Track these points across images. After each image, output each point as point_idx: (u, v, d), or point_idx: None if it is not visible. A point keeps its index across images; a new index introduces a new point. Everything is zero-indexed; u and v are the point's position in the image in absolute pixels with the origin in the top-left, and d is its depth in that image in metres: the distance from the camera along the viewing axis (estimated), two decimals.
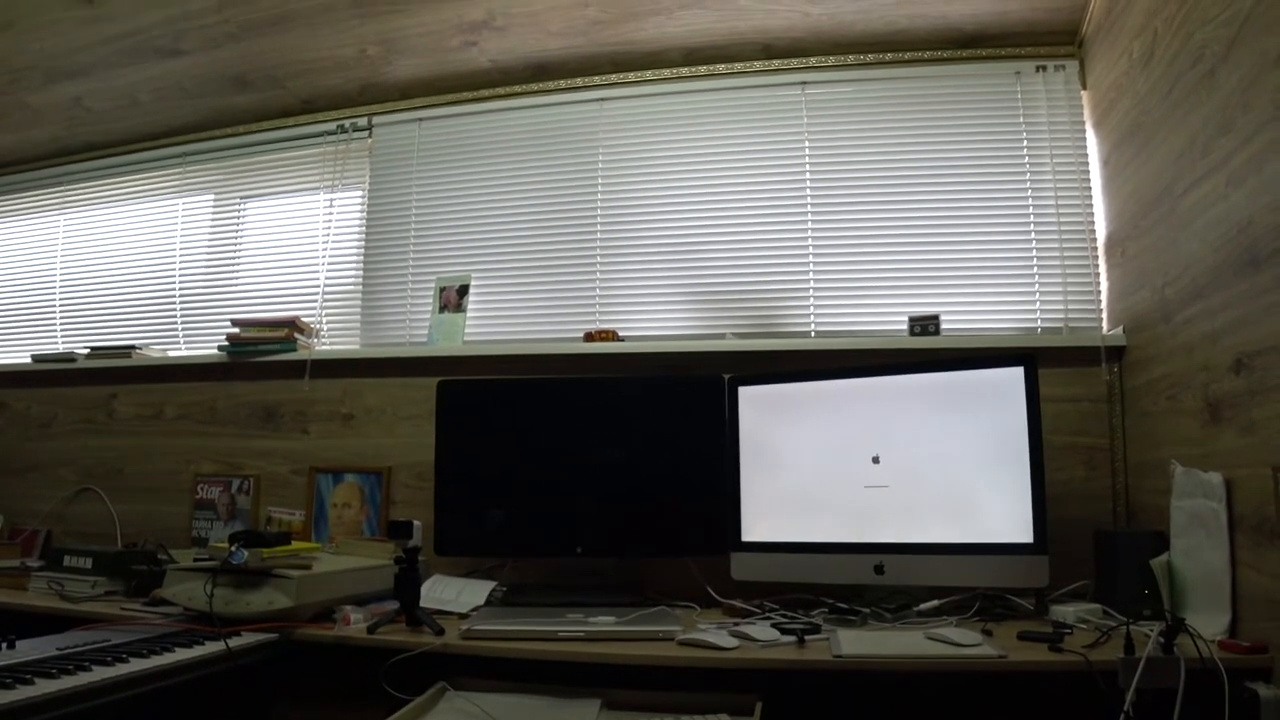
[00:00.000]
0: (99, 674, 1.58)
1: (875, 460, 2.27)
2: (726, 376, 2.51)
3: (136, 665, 1.67)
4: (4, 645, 1.76)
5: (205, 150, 3.56)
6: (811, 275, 2.83)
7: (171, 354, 3.42)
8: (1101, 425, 2.52)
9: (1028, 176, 2.74)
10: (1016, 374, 2.16)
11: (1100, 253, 2.64)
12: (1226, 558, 1.78)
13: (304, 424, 3.12)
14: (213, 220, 3.52)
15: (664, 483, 2.49)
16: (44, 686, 1.47)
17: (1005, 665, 1.69)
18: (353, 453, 3.04)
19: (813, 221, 2.85)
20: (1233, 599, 1.76)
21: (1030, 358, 2.16)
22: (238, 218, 3.49)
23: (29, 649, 1.75)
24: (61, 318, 3.68)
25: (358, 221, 3.31)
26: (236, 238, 3.47)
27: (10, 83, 3.30)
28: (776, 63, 2.96)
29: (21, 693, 1.42)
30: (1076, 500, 2.48)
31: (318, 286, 3.29)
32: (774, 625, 2.02)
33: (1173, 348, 2.12)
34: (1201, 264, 1.93)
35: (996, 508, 2.12)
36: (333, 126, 3.37)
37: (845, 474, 2.30)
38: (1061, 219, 2.69)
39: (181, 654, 1.79)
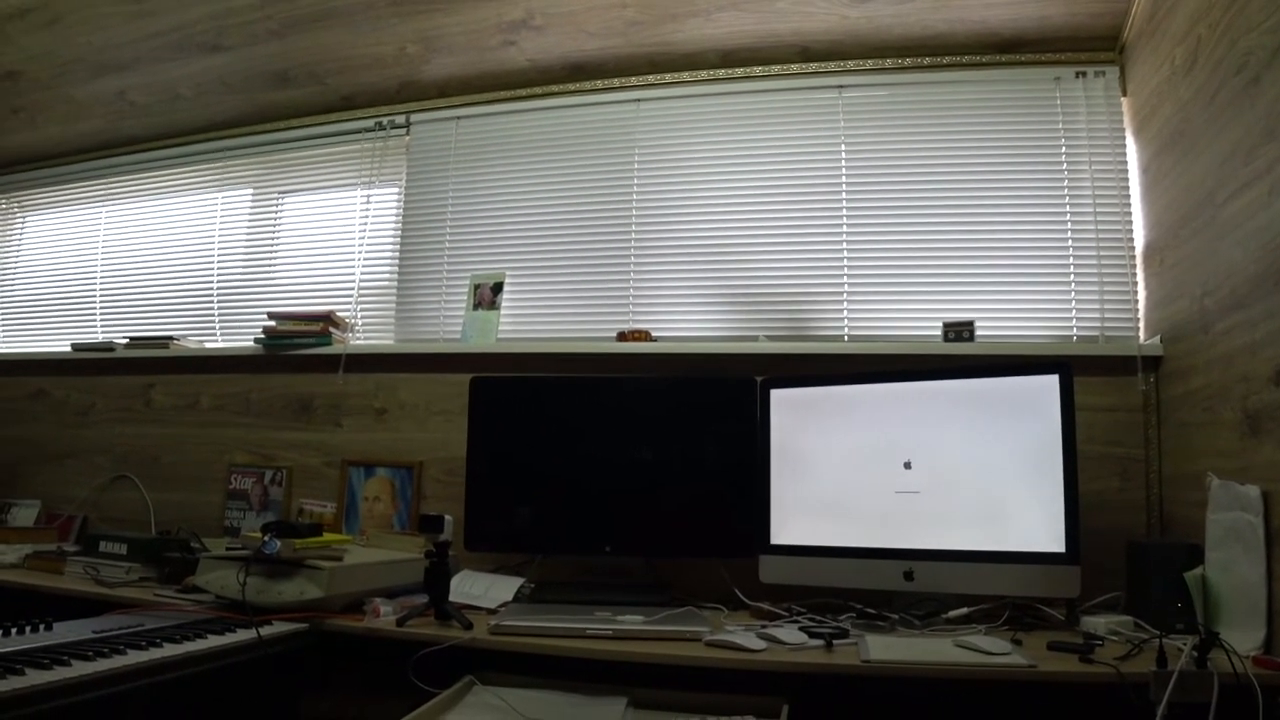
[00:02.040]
0: (133, 658, 1.61)
1: (907, 466, 2.26)
2: (759, 378, 2.51)
3: (170, 650, 1.69)
4: (42, 627, 1.79)
5: (245, 145, 3.60)
6: (846, 279, 2.82)
7: (208, 345, 3.47)
8: (1137, 435, 2.49)
9: (1066, 183, 2.72)
10: (1051, 382, 2.14)
11: (1138, 261, 2.61)
12: (1263, 572, 1.75)
13: (337, 417, 3.15)
14: (251, 214, 3.57)
15: (694, 483, 2.49)
16: (81, 668, 1.49)
17: (1034, 675, 1.68)
18: (385, 447, 3.07)
19: (848, 225, 2.84)
20: (1268, 614, 1.74)
21: (1066, 366, 2.14)
22: (276, 212, 3.53)
23: (66, 631, 1.78)
24: (101, 308, 3.74)
25: (394, 218, 3.34)
26: (274, 232, 3.51)
27: (56, 76, 3.35)
28: (813, 66, 2.96)
29: (59, 673, 1.45)
30: (1110, 511, 2.45)
31: (353, 281, 3.32)
32: (802, 629, 2.01)
33: (1211, 358, 2.09)
34: (1242, 273, 1.91)
35: (1029, 516, 2.10)
36: (371, 123, 3.40)
37: (876, 479, 2.29)
38: (1099, 226, 2.67)
39: (214, 641, 1.81)
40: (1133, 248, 2.63)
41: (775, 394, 2.46)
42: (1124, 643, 1.86)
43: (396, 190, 3.36)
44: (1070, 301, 2.66)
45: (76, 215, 3.90)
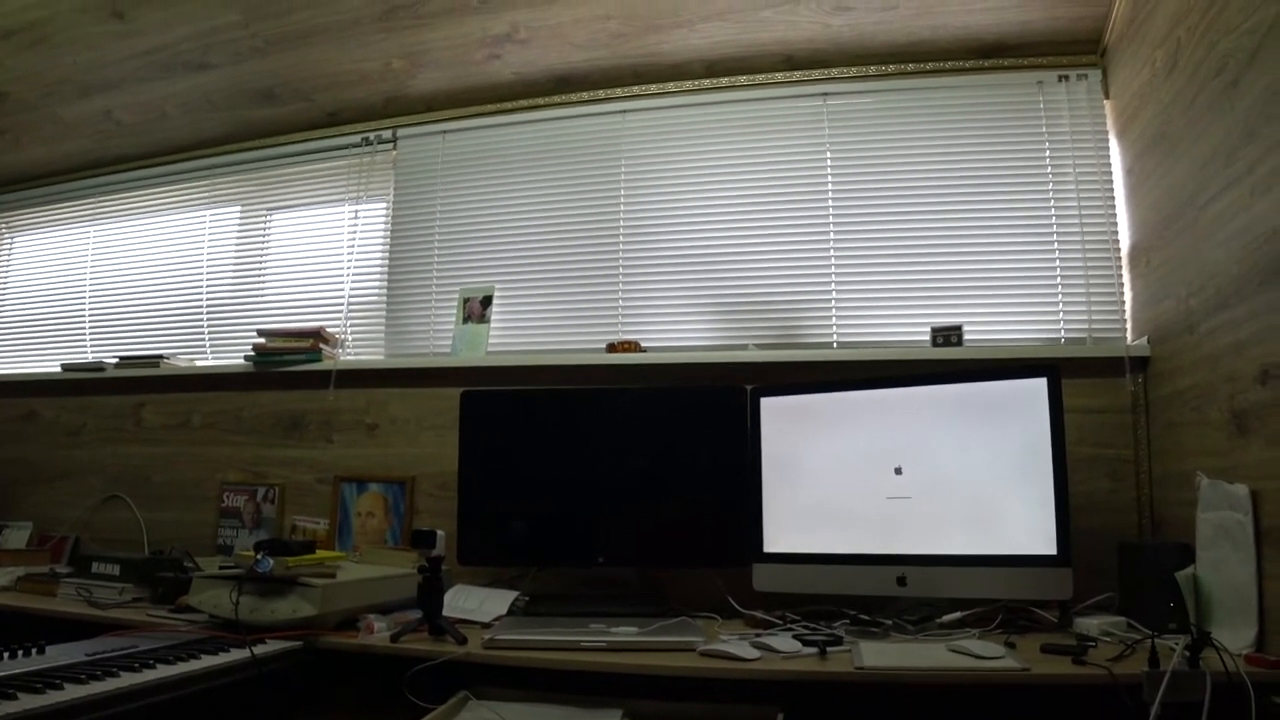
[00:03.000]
0: (127, 680, 1.60)
1: (898, 471, 2.26)
2: (749, 387, 2.51)
3: (164, 671, 1.68)
4: (34, 650, 1.78)
5: (232, 162, 3.60)
6: (834, 286, 2.83)
7: (198, 364, 3.46)
8: (1126, 436, 2.50)
9: (1050, 186, 2.73)
10: (1040, 385, 2.14)
11: (1124, 263, 2.62)
12: (1253, 571, 1.76)
13: (329, 433, 3.15)
14: (239, 232, 3.56)
15: (686, 493, 2.49)
16: (74, 691, 1.48)
17: (1028, 678, 1.68)
18: (377, 462, 3.06)
19: (835, 232, 2.85)
20: (1259, 612, 1.74)
21: (1054, 368, 2.15)
22: (264, 229, 3.53)
23: (59, 654, 1.77)
24: (91, 328, 3.73)
25: (382, 233, 3.34)
26: (263, 249, 3.51)
27: (43, 96, 3.35)
28: (798, 74, 2.97)
29: (51, 697, 1.44)
30: (1101, 512, 2.46)
31: (343, 297, 3.32)
32: (795, 637, 2.01)
33: (1198, 358, 2.10)
34: (1226, 274, 1.92)
35: (1020, 519, 2.11)
36: (358, 139, 3.41)
37: (868, 485, 2.29)
38: (1085, 229, 2.68)
39: (207, 661, 1.80)
40: (1118, 249, 2.64)
41: (765, 402, 2.46)
42: (1117, 643, 1.86)
43: (384, 205, 3.36)
44: (1057, 304, 2.67)
45: (64, 235, 3.89)
